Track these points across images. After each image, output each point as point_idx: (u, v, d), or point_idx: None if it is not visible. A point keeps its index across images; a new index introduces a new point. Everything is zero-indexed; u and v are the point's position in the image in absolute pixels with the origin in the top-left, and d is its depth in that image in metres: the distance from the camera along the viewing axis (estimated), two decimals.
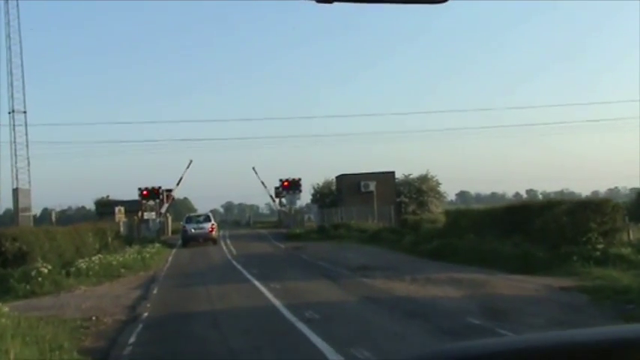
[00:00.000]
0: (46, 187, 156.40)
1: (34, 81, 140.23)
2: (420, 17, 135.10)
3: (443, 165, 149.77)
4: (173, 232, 53.73)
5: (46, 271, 19.19)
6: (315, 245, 33.43)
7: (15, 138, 52.20)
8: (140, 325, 12.61)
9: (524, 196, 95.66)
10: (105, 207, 50.30)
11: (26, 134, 52.54)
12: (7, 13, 51.94)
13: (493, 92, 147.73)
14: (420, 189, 51.23)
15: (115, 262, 24.50)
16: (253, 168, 56.46)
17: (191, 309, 14.24)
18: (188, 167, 52.78)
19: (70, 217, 69.23)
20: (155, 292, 17.97)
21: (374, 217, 44.87)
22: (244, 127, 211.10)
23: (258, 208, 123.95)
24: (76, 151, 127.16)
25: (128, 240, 36.56)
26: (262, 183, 56.17)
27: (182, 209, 77.05)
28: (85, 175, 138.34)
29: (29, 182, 52.11)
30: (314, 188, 56.83)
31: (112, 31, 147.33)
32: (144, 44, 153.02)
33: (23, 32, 59.59)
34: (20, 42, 51.89)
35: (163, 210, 53.04)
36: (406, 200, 50.26)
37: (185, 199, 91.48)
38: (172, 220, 59.45)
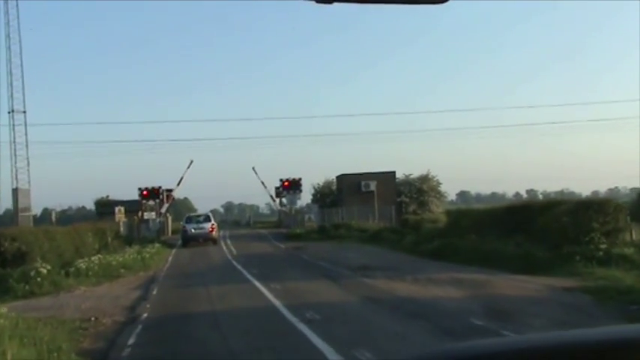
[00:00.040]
0: (46, 187, 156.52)
1: (34, 81, 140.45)
2: (420, 17, 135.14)
3: (443, 165, 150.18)
4: (173, 232, 53.66)
5: (45, 271, 19.11)
6: (315, 245, 33.35)
7: (15, 138, 52.24)
8: (139, 326, 12.52)
9: (525, 196, 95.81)
10: (105, 207, 50.18)
11: (26, 134, 52.57)
12: (6, 12, 51.97)
13: (493, 92, 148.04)
14: (421, 189, 51.17)
15: (114, 263, 24.42)
16: (253, 168, 56.38)
17: (191, 310, 14.15)
18: (189, 167, 52.72)
19: (70, 217, 69.10)
20: (155, 292, 17.87)
21: (374, 217, 44.81)
22: (244, 127, 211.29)
23: (258, 208, 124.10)
24: (76, 151, 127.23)
25: (128, 240, 36.48)
26: (262, 183, 56.12)
27: (182, 209, 76.97)
28: (85, 175, 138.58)
29: (29, 182, 52.13)
30: (314, 188, 56.80)
31: (112, 31, 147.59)
32: (144, 44, 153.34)
33: (23, 32, 59.57)
34: (20, 42, 51.95)
35: (163, 210, 52.95)
36: (407, 200, 50.20)
37: (185, 199, 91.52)
38: (172, 220, 59.38)
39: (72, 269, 21.03)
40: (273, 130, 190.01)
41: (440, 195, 53.03)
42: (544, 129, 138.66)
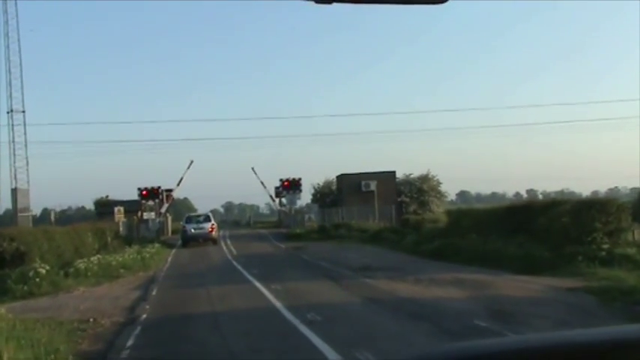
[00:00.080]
0: (45, 187, 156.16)
1: (33, 80, 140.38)
2: (420, 17, 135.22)
3: (443, 164, 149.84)
4: (173, 232, 53.53)
5: (44, 271, 19.01)
6: (315, 245, 33.24)
7: (14, 137, 52.16)
8: (139, 327, 12.40)
9: (525, 195, 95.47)
10: (104, 207, 50.02)
11: (25, 134, 52.53)
12: (5, 12, 51.76)
13: (493, 92, 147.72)
14: (421, 188, 51.04)
15: (114, 263, 24.32)
16: (252, 168, 56.20)
17: (191, 310, 14.05)
18: (189, 167, 52.57)
19: (69, 217, 69.04)
20: (154, 293, 17.76)
21: (375, 217, 44.71)
22: (244, 127, 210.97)
23: (258, 208, 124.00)
24: (76, 151, 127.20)
25: (127, 240, 36.35)
26: (262, 183, 55.96)
27: (182, 209, 76.81)
28: (85, 175, 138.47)
29: (28, 182, 52.07)
30: (314, 188, 56.63)
31: (112, 31, 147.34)
32: (144, 44, 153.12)
33: (22, 31, 59.49)
34: (19, 40, 51.91)
35: (163, 210, 52.82)
36: (407, 200, 50.07)
37: (185, 199, 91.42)
38: (172, 220, 59.25)
39: (71, 269, 20.93)
40: (273, 130, 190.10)
41: (440, 195, 52.89)
42: (544, 129, 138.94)
